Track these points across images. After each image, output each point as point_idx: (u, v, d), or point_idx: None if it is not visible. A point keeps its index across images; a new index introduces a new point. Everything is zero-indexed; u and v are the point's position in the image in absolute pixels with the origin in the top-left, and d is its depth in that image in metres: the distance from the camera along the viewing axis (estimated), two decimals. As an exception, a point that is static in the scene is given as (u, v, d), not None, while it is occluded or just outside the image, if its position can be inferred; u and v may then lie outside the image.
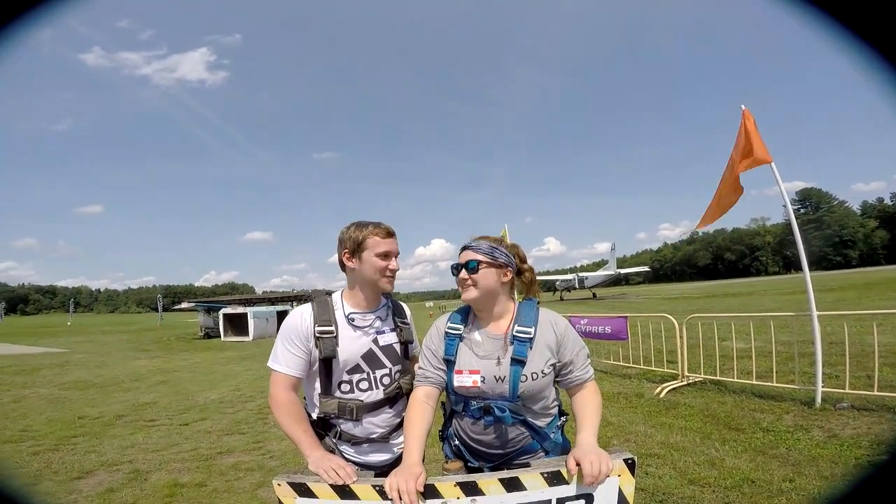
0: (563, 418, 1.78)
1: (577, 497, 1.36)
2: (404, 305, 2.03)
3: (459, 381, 1.64)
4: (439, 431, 1.88)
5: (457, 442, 1.75)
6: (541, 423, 1.68)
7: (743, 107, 5.50)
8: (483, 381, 1.61)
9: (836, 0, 1.14)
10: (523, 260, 1.78)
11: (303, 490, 1.41)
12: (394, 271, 1.82)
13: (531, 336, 1.63)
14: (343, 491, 1.39)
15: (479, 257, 1.67)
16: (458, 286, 1.72)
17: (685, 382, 6.72)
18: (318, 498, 1.40)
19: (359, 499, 1.38)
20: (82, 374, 12.34)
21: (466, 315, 1.77)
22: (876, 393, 4.96)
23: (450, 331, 1.72)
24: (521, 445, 1.67)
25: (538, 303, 1.75)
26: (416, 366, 1.80)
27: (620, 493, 1.39)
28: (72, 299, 71.38)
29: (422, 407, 1.64)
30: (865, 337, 5.49)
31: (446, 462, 1.71)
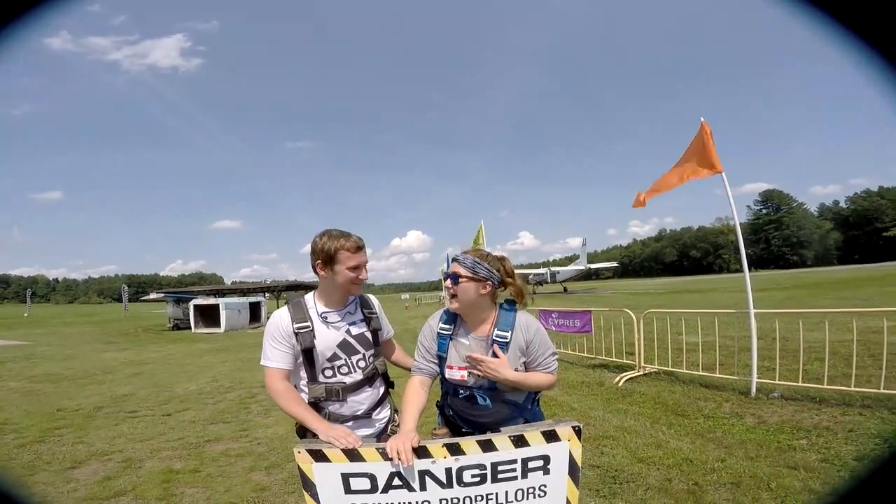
0: (538, 393, 2.11)
1: (537, 457, 1.76)
2: (372, 297, 2.31)
3: (450, 374, 2.01)
4: (437, 403, 2.24)
5: (451, 412, 2.12)
6: (518, 398, 2.02)
7: (702, 119, 6.07)
8: (469, 376, 1.97)
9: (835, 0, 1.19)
10: (509, 273, 2.02)
11: (319, 455, 1.72)
12: (363, 280, 2.08)
13: (507, 340, 1.96)
14: (352, 454, 1.72)
15: (462, 271, 1.94)
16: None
17: (642, 373, 7.33)
18: (331, 461, 1.72)
19: (365, 460, 1.72)
20: (51, 367, 12.09)
21: (455, 316, 2.07)
22: (801, 384, 5.62)
23: (441, 331, 2.04)
24: (503, 417, 2.02)
25: (516, 308, 2.05)
26: (414, 358, 2.14)
27: (570, 455, 1.79)
28: (29, 289, 67.37)
29: (416, 391, 2.01)
30: (806, 333, 6.13)
31: (435, 429, 2.09)
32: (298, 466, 1.73)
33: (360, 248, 2.07)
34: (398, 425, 2.13)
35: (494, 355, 1.94)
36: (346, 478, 1.70)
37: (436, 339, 2.05)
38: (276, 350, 2.03)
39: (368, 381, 2.14)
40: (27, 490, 3.90)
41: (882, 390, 5.03)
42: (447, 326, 2.04)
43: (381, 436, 2.17)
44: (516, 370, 1.96)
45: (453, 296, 1.97)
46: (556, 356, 2.07)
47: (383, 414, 2.23)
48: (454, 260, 2.01)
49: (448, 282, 1.98)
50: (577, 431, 1.80)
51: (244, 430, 5.65)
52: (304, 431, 2.07)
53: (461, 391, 2.01)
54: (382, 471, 1.69)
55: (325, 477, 1.71)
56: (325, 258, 2.03)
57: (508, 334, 1.96)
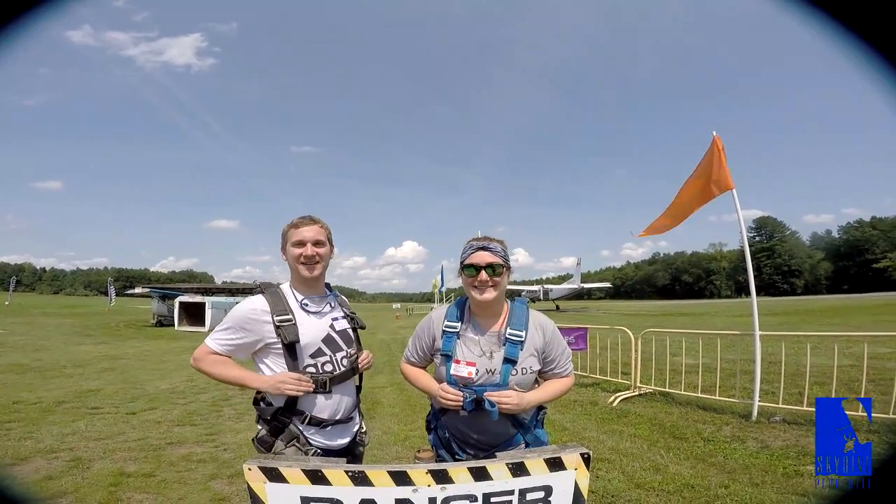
0: (542, 411, 1.96)
1: (537, 488, 1.45)
2: (345, 299, 2.18)
3: (456, 370, 1.80)
4: (427, 420, 2.02)
5: (447, 434, 1.87)
6: (524, 415, 1.84)
7: (714, 133, 5.83)
8: (476, 373, 1.79)
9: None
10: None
11: (273, 475, 1.41)
12: (308, 257, 1.90)
13: (522, 339, 1.82)
14: (315, 476, 1.41)
15: (500, 261, 1.81)
16: (469, 285, 1.84)
17: (637, 393, 7.03)
18: (289, 483, 1.40)
19: (331, 484, 1.40)
20: (19, 357, 11.61)
21: (462, 311, 1.91)
22: (805, 408, 5.37)
23: (448, 329, 1.87)
24: (505, 438, 1.82)
25: (527, 304, 1.92)
26: (406, 349, 2.05)
27: (576, 486, 1.49)
28: (13, 276, 65.38)
29: (417, 368, 2.02)
30: (801, 358, 5.93)
31: (419, 451, 1.78)
32: (249, 486, 1.42)
33: (305, 222, 1.94)
34: (365, 433, 2.12)
35: (508, 358, 1.80)
36: (305, 502, 1.39)
37: (440, 338, 1.88)
38: (225, 335, 1.87)
39: (353, 371, 1.99)
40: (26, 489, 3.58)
41: (892, 415, 4.83)
42: (454, 324, 1.88)
43: (352, 442, 2.01)
44: (531, 369, 1.83)
45: (490, 286, 1.81)
46: (570, 356, 1.96)
47: (357, 420, 2.07)
48: (481, 248, 1.83)
49: (483, 274, 1.79)
50: (586, 459, 1.50)
51: (212, 434, 5.26)
52: (265, 443, 1.84)
53: (467, 395, 1.76)
54: (351, 497, 1.38)
55: (281, 500, 1.40)
56: (282, 242, 1.98)
57: (523, 333, 1.83)
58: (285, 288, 1.97)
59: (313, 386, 1.79)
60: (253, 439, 1.90)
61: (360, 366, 2.02)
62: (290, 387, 1.76)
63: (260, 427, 1.90)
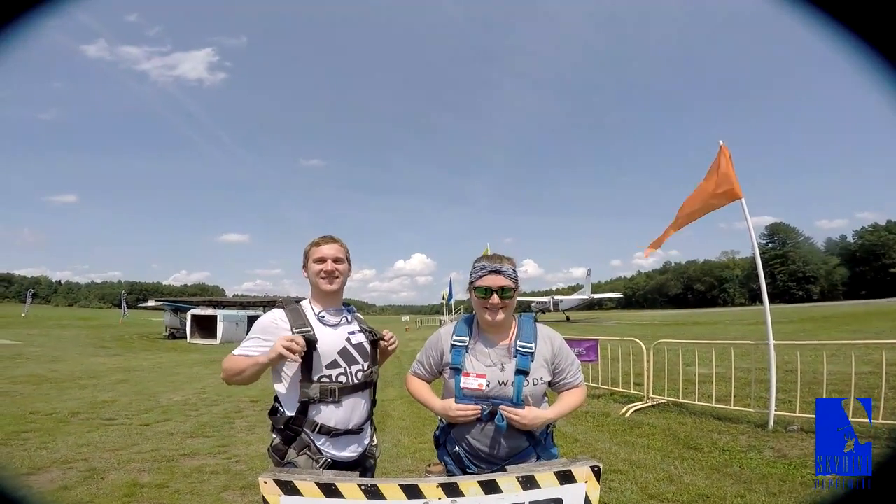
0: (552, 424, 1.96)
1: (548, 501, 1.45)
2: (360, 315, 2.24)
3: (466, 382, 1.82)
4: (434, 436, 2.03)
5: (457, 449, 1.87)
6: (536, 430, 1.85)
7: (721, 142, 5.82)
8: (488, 385, 1.81)
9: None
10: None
11: (288, 488, 1.42)
12: (328, 272, 2.01)
13: (532, 350, 1.86)
14: (329, 489, 1.42)
15: (511, 284, 1.84)
16: (480, 306, 1.87)
17: (650, 404, 6.94)
18: (303, 496, 1.42)
19: (344, 497, 1.41)
20: (35, 369, 11.81)
21: (470, 326, 1.94)
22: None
23: (456, 343, 1.90)
24: (517, 451, 1.83)
25: (534, 318, 1.96)
26: (414, 362, 2.07)
27: (587, 498, 1.49)
28: (30, 289, 66.84)
29: (422, 383, 2.04)
30: (818, 366, 5.83)
31: (429, 465, 1.79)
32: (264, 499, 1.45)
33: (326, 241, 2.06)
34: (376, 446, 2.14)
35: (520, 370, 1.82)
36: None
37: (449, 352, 1.91)
38: (255, 340, 1.94)
39: (366, 385, 2.04)
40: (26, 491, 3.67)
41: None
42: (462, 338, 1.91)
43: (362, 455, 2.03)
44: (542, 380, 1.86)
45: (501, 308, 1.83)
46: (580, 366, 1.98)
47: (369, 432, 2.09)
48: (494, 271, 1.84)
49: (495, 297, 1.82)
50: (596, 472, 1.50)
51: (224, 445, 5.30)
52: (279, 452, 1.89)
53: (483, 407, 1.79)
54: None
55: None
56: (304, 260, 2.10)
57: (532, 345, 1.87)
58: (305, 304, 2.06)
59: (304, 350, 1.79)
60: (268, 448, 1.96)
61: (386, 343, 2.10)
62: (284, 342, 1.76)
63: (274, 436, 1.95)
